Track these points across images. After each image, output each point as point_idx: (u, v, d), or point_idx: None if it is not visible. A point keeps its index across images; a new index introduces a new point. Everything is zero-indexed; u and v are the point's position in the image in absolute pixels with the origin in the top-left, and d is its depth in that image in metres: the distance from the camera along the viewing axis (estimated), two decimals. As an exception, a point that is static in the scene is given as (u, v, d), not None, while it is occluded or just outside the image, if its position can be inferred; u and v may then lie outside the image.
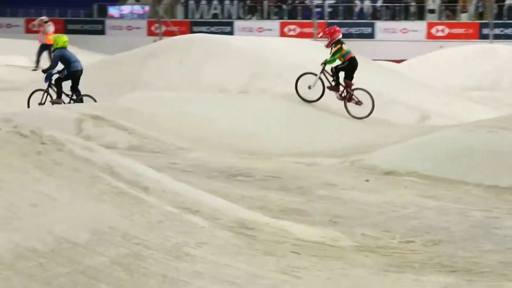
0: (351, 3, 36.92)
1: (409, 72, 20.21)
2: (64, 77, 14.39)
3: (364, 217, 6.63)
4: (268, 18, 37.70)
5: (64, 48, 14.85)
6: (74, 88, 14.44)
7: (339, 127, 11.77)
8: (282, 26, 36.68)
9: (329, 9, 37.17)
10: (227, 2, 38.60)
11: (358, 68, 12.86)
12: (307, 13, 36.31)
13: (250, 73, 16.44)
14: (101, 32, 39.03)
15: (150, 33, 37.33)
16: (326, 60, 13.48)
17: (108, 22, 39.53)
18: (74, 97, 14.25)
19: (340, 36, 13.65)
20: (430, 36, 34.95)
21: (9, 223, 4.52)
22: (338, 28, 13.88)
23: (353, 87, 13.36)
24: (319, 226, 6.12)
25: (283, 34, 35.38)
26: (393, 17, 36.29)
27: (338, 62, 13.43)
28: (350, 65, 13.48)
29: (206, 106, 12.70)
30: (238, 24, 37.56)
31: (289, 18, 37.27)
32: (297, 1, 37.70)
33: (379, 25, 35.73)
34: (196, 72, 16.54)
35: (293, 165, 9.15)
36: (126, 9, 40.78)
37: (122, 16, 40.40)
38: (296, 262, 5.07)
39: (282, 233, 5.54)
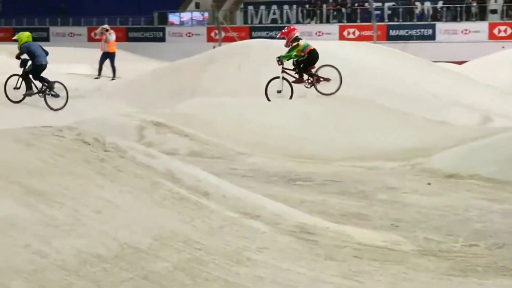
0: (411, 5, 36.57)
1: (471, 73, 19.92)
2: (30, 70, 15.82)
3: (426, 221, 6.56)
4: (327, 22, 37.59)
5: (29, 41, 16.17)
6: (37, 78, 15.80)
7: (397, 129, 11.67)
8: (341, 29, 36.53)
9: (389, 12, 36.90)
10: (286, 7, 38.64)
11: (416, 69, 12.81)
12: (366, 16, 36.08)
13: (309, 78, 16.40)
14: (162, 39, 39.47)
15: (210, 39, 37.60)
16: (280, 56, 14.30)
17: (168, 29, 39.96)
18: (46, 84, 15.70)
19: (297, 34, 14.57)
20: (492, 37, 34.39)
21: (73, 230, 4.61)
22: (293, 27, 14.97)
23: (316, 68, 14.17)
24: (381, 230, 6.08)
25: (342, 38, 35.24)
26: (454, 18, 35.81)
27: (293, 55, 14.21)
28: (309, 58, 14.31)
29: (265, 111, 12.74)
30: (297, 28, 37.54)
31: (348, 22, 37.10)
32: (356, 4, 37.51)
33: (440, 26, 35.29)
34: (255, 78, 16.59)
35: (353, 169, 9.11)
36: (186, 16, 41.14)
37: (182, 23, 40.77)
38: (358, 267, 5.04)
39: (343, 238, 5.52)
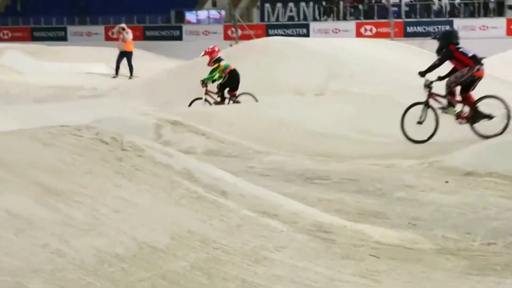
0: (428, 1, 36.42)
1: (489, 69, 19.78)
2: None
3: (444, 219, 6.53)
4: (344, 19, 37.54)
5: None
6: None
7: (414, 127, 11.63)
8: (358, 26, 36.46)
9: (406, 8, 36.77)
10: (302, 4, 38.60)
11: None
12: (383, 12, 35.98)
13: (325, 75, 16.41)
14: (179, 37, 39.55)
15: (227, 37, 37.65)
16: (203, 78, 15.05)
17: (185, 27, 40.03)
18: None
19: (219, 55, 15.24)
20: (510, 33, 34.20)
21: (92, 229, 4.63)
22: (217, 49, 15.48)
23: (237, 94, 14.90)
24: (398, 228, 6.06)
25: (359, 35, 35.20)
26: (471, 14, 35.64)
27: (217, 76, 15.01)
28: (230, 78, 14.97)
29: (282, 109, 12.74)
30: (313, 25, 37.52)
31: (365, 18, 37.02)
32: (373, 1, 37.40)
33: (458, 22, 35.12)
34: (272, 75, 16.60)
35: (370, 167, 9.08)
36: (202, 14, 41.19)
37: (199, 21, 40.82)
38: (375, 266, 5.03)
39: (360, 236, 5.51)
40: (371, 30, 35.90)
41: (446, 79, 11.61)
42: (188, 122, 11.27)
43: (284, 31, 36.08)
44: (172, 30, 40.20)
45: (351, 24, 36.63)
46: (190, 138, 10.82)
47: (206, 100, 15.19)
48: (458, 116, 11.55)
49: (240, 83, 15.12)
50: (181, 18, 40.81)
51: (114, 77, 23.05)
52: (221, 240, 4.97)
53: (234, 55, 17.95)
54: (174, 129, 11.07)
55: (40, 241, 4.33)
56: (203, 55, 15.71)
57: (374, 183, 7.98)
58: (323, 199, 7.16)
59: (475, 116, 11.41)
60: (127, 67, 23.03)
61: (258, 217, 5.47)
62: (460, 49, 11.61)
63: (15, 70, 24.24)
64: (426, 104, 11.62)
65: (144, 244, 4.65)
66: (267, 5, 39.54)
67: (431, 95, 11.69)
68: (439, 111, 11.58)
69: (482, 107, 11.52)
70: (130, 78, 22.71)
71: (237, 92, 15.04)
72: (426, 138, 11.27)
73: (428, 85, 11.67)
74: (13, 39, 40.75)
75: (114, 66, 23.46)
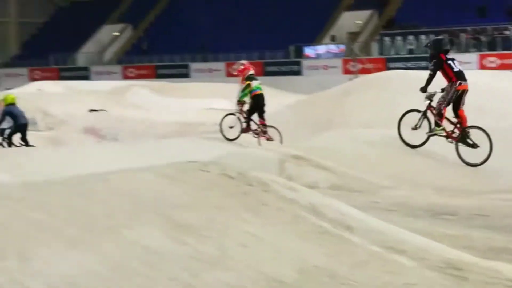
0: (555, 31, 35.31)
1: None
2: (12, 131, 16.97)
3: None
4: (466, 51, 36.81)
5: (12, 104, 17.10)
6: (23, 139, 16.96)
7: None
8: (481, 58, 35.68)
9: (532, 38, 35.76)
10: (423, 37, 38.14)
11: None
12: (507, 44, 35.09)
13: (448, 108, 16.09)
14: (298, 72, 39.83)
15: (346, 71, 37.63)
16: (239, 98, 14.86)
17: (304, 62, 40.28)
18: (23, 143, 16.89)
19: (250, 72, 14.85)
20: None
21: (220, 262, 4.67)
22: (247, 66, 15.09)
23: (266, 124, 14.67)
24: (532, 266, 5.83)
25: (482, 67, 34.41)
26: None
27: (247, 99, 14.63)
28: (255, 103, 14.58)
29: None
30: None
31: (488, 50, 36.19)
32: (496, 32, 36.55)
33: None
34: (392, 109, 16.39)
35: (500, 202, 8.82)
36: (321, 49, 41.38)
37: (318, 56, 41.00)
38: (510, 304, 4.86)
39: (492, 274, 5.33)
40: (494, 62, 35.04)
41: (437, 101, 11.96)
42: (311, 157, 11.28)
43: (405, 64, 35.68)
44: (291, 65, 40.54)
45: (473, 56, 35.86)
46: (313, 173, 10.81)
47: (238, 118, 15.02)
48: (448, 136, 11.93)
49: (265, 107, 14.93)
50: (300, 53, 41.11)
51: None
52: (349, 276, 4.91)
53: (353, 88, 17.93)
54: (298, 163, 11.10)
55: (171, 274, 4.41)
56: (236, 75, 15.81)
57: (504, 219, 7.74)
58: (449, 234, 7.00)
59: (462, 139, 11.80)
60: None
61: (385, 252, 5.38)
62: (449, 61, 12.07)
63: (140, 107, 25.03)
64: (424, 114, 12.18)
65: (272, 279, 4.65)
66: (386, 38, 39.31)
67: (430, 107, 12.19)
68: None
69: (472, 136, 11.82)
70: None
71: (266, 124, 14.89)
72: (418, 144, 12.00)
73: (429, 97, 12.18)
74: (138, 76, 42.17)
75: (235, 101, 23.81)
